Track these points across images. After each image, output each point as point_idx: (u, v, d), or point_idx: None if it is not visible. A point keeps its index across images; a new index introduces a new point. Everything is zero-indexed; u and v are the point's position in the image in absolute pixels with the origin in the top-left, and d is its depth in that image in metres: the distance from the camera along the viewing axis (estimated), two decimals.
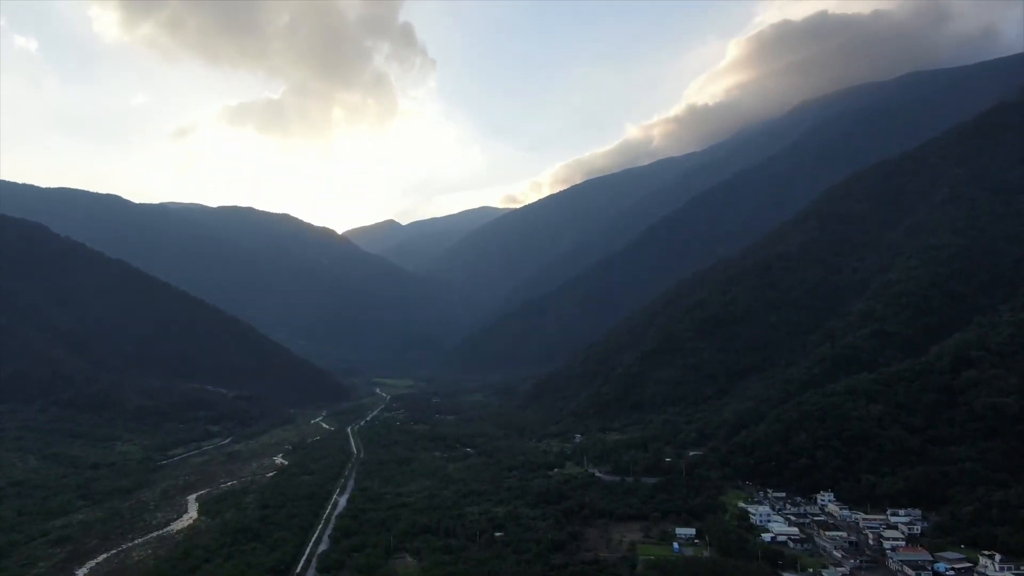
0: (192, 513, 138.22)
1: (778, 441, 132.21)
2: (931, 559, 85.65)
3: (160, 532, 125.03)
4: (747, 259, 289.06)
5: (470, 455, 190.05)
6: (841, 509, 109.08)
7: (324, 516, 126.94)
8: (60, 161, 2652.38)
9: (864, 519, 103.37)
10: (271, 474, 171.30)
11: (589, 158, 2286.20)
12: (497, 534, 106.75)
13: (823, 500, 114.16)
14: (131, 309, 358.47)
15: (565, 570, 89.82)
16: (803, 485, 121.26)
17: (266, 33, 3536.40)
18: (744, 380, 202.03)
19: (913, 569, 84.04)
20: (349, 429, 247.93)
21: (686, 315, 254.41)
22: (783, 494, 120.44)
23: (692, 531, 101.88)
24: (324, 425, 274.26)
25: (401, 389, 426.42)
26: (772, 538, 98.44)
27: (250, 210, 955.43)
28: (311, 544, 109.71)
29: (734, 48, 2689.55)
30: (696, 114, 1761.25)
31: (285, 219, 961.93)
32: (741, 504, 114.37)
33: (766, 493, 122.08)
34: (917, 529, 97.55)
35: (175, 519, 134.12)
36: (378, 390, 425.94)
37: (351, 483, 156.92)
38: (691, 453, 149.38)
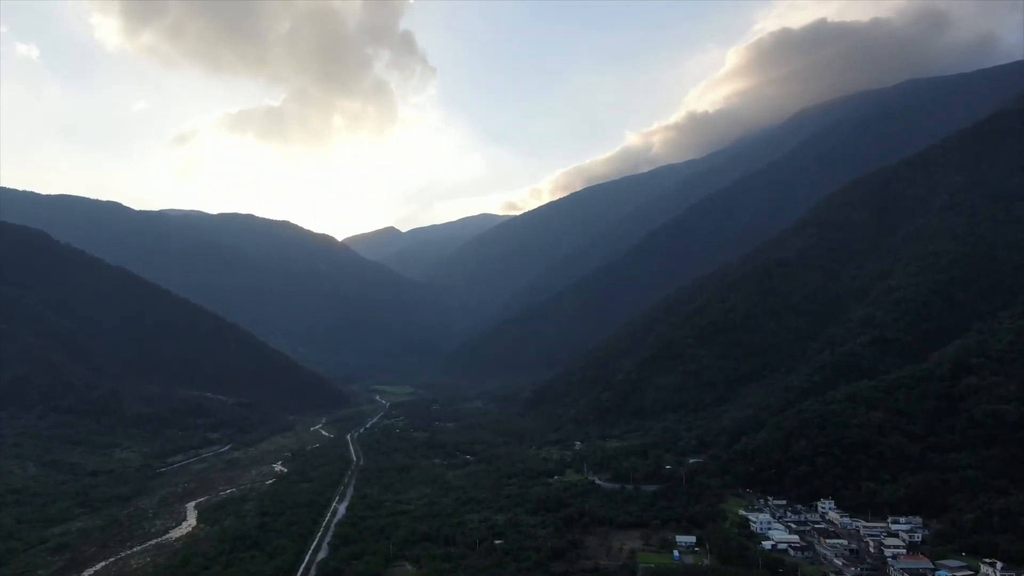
0: (191, 520, 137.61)
1: (778, 448, 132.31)
2: (932, 567, 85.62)
3: (159, 540, 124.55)
4: (747, 266, 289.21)
5: (470, 462, 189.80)
6: (842, 517, 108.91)
7: (323, 523, 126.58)
8: (61, 168, 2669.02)
9: (865, 527, 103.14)
10: (270, 481, 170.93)
11: (589, 165, 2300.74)
12: (497, 542, 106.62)
13: (824, 508, 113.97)
14: (131, 316, 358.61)
15: None
16: (803, 493, 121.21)
17: (267, 40, 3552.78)
18: (744, 387, 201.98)
19: None
20: (349, 436, 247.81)
21: (686, 322, 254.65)
22: (783, 502, 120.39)
23: (692, 539, 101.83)
24: (324, 432, 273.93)
25: (401, 396, 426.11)
26: (773, 546, 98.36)
27: (250, 217, 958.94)
28: (310, 552, 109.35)
29: (734, 56, 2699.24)
30: (696, 121, 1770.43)
31: (285, 226, 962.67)
32: (741, 512, 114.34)
33: (766, 501, 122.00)
34: (918, 537, 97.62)
35: (174, 527, 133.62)
36: (378, 397, 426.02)
37: (351, 490, 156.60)
38: (691, 460, 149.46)
